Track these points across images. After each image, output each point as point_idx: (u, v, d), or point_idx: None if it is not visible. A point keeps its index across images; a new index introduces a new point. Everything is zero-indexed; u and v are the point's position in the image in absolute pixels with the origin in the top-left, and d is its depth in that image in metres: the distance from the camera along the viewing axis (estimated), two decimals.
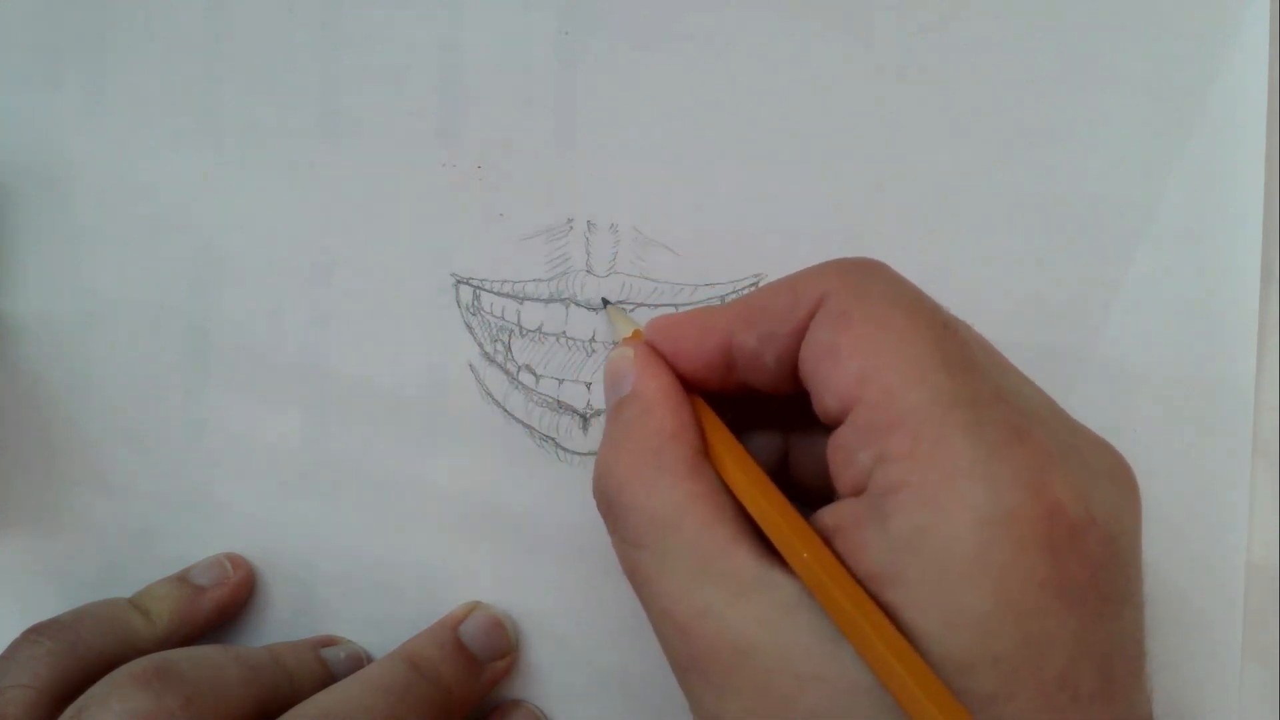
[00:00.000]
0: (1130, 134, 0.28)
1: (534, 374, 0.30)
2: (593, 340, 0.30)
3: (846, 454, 0.20)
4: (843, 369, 0.20)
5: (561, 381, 0.30)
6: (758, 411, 0.25)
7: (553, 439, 0.30)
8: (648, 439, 0.22)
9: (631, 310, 0.30)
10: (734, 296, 0.29)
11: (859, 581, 0.19)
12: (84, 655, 0.27)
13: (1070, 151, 0.28)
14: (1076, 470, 0.18)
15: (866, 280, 0.21)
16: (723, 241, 0.29)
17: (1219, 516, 0.28)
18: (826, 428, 0.22)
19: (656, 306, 0.30)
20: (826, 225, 0.29)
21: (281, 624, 0.32)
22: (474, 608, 0.30)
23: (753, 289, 0.29)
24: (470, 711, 0.29)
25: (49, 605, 0.32)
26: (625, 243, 0.30)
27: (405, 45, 0.31)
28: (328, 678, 0.29)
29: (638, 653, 0.30)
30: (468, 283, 0.31)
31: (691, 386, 0.24)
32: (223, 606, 0.31)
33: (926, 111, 0.29)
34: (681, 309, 0.30)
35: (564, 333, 0.30)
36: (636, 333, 0.26)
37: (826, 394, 0.20)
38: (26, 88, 0.32)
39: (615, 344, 0.27)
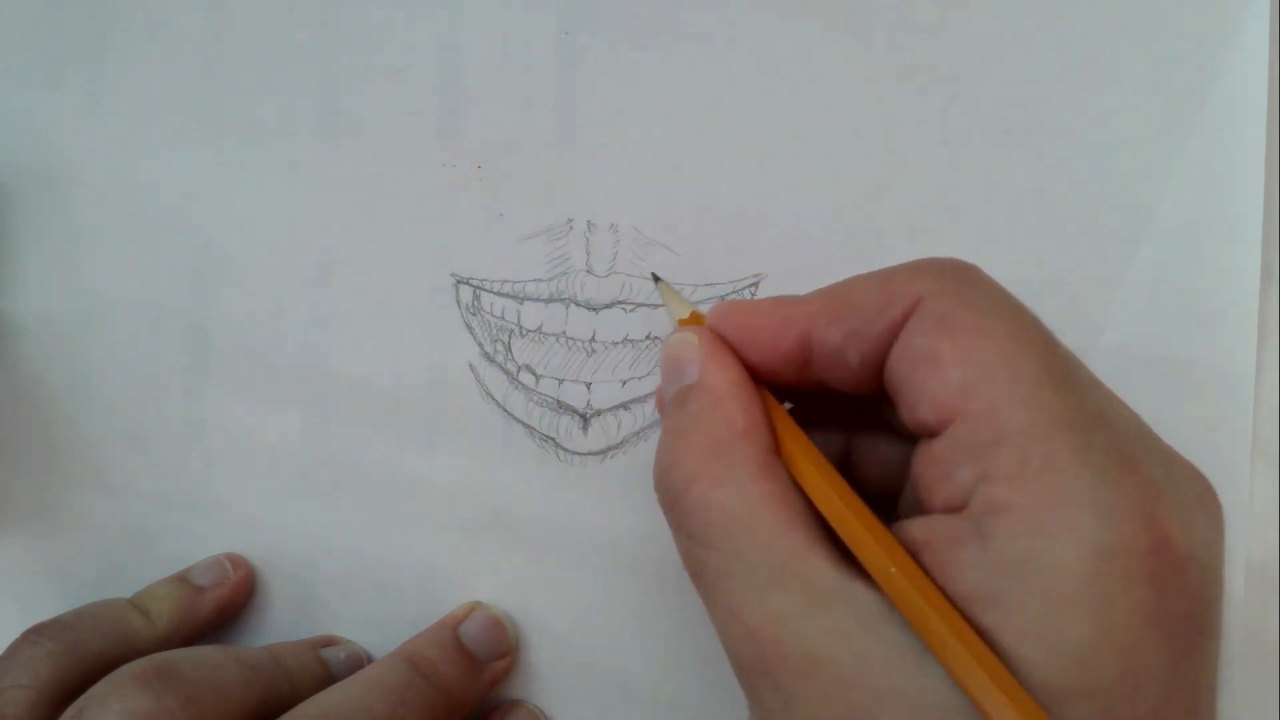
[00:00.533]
0: (1130, 134, 0.28)
1: (534, 374, 0.30)
2: (593, 340, 0.30)
3: (943, 468, 0.19)
4: (943, 378, 0.19)
5: (561, 381, 0.30)
6: (819, 408, 0.24)
7: (553, 439, 0.30)
8: (717, 433, 0.21)
9: (631, 311, 0.30)
10: (734, 296, 0.29)
11: (950, 600, 0.18)
12: (84, 655, 0.27)
13: (1070, 151, 0.28)
14: (1180, 502, 0.18)
15: (967, 285, 0.20)
16: (723, 241, 0.29)
17: None
18: (895, 432, 0.22)
19: (656, 307, 0.30)
20: (826, 225, 0.29)
21: (281, 624, 0.32)
22: (474, 608, 0.30)
23: (752, 289, 0.29)
24: (470, 711, 0.29)
25: (49, 605, 0.32)
26: (625, 243, 0.30)
27: (405, 45, 0.31)
28: (328, 678, 0.29)
29: (638, 653, 0.30)
30: (468, 283, 0.31)
31: (759, 379, 0.22)
32: (223, 606, 0.31)
33: (926, 111, 0.29)
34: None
35: (564, 333, 0.30)
36: (695, 314, 0.24)
37: (922, 402, 0.19)
38: (26, 88, 0.32)
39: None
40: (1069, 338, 0.29)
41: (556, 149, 0.30)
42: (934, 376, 0.19)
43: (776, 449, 0.21)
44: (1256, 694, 0.28)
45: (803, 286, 0.29)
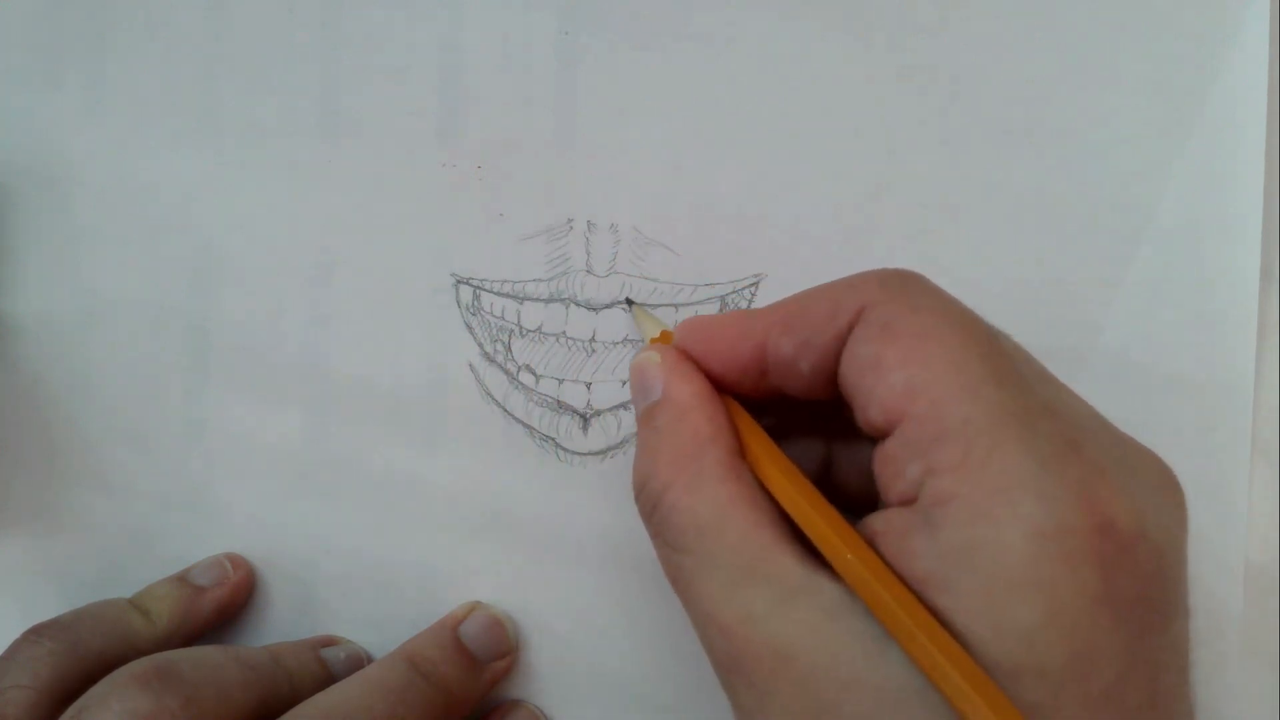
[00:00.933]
0: (1130, 134, 0.28)
1: (534, 374, 0.30)
2: (593, 340, 0.30)
3: (895, 466, 0.20)
4: (888, 382, 0.20)
5: (561, 381, 0.30)
6: (799, 418, 0.25)
7: (553, 439, 0.30)
8: (684, 444, 0.22)
9: (631, 310, 0.30)
10: (734, 296, 0.29)
11: (906, 585, 0.19)
12: (84, 656, 0.27)
13: (1070, 151, 0.28)
14: (1127, 484, 0.18)
15: (908, 291, 0.21)
16: (723, 241, 0.29)
17: (1218, 516, 0.28)
18: (866, 436, 0.22)
19: (656, 307, 0.30)
20: (826, 225, 0.29)
21: (281, 624, 0.32)
22: (474, 608, 0.30)
23: (752, 289, 0.29)
24: (470, 711, 0.29)
25: (49, 605, 0.32)
26: (625, 243, 0.30)
27: (405, 45, 0.31)
28: (328, 678, 0.29)
29: (638, 653, 0.30)
30: (468, 283, 0.31)
31: (723, 389, 0.23)
32: (223, 606, 0.31)
33: (926, 111, 0.29)
34: (681, 309, 0.30)
35: (564, 333, 0.30)
36: (665, 333, 0.26)
37: (871, 406, 0.20)
38: (26, 88, 0.32)
39: (642, 344, 0.27)
40: (1069, 338, 0.29)
41: (556, 149, 0.30)
42: (880, 381, 0.20)
43: (742, 453, 0.22)
44: (1256, 694, 0.28)
45: (802, 286, 0.29)
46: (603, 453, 0.30)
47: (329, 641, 0.31)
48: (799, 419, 0.25)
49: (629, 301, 0.29)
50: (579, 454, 0.30)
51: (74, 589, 0.33)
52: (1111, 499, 0.18)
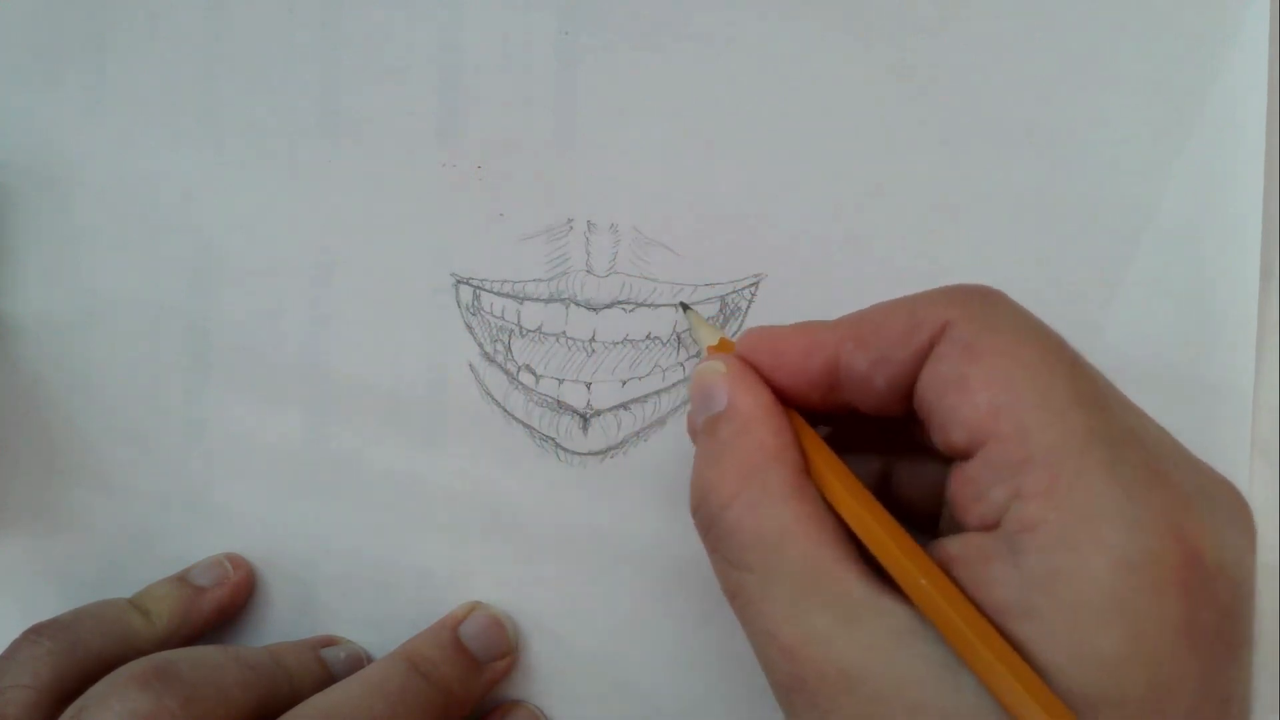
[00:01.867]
0: (1130, 134, 0.28)
1: (534, 374, 0.30)
2: (593, 340, 0.30)
3: (976, 488, 0.19)
4: (972, 402, 0.19)
5: (561, 381, 0.30)
6: (855, 431, 0.24)
7: (553, 439, 0.30)
8: (748, 458, 0.22)
9: (631, 311, 0.30)
10: (734, 296, 0.29)
11: (983, 613, 0.19)
12: (84, 655, 0.27)
13: (1070, 151, 0.28)
14: (1210, 514, 0.18)
15: (991, 310, 0.21)
16: (723, 241, 0.29)
17: None
18: (930, 453, 0.22)
19: (657, 307, 0.30)
20: (826, 225, 0.29)
21: (281, 624, 0.32)
22: (474, 608, 0.30)
23: (752, 289, 0.29)
24: (470, 711, 0.29)
25: (49, 605, 0.32)
26: (625, 243, 0.30)
27: (405, 45, 0.31)
28: (328, 678, 0.29)
29: (638, 653, 0.30)
30: (468, 283, 0.31)
31: (787, 402, 0.23)
32: (223, 607, 0.31)
33: (926, 111, 0.29)
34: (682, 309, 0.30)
35: (564, 333, 0.30)
36: (723, 342, 0.25)
37: (953, 427, 0.20)
38: (26, 88, 0.32)
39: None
40: (1069, 338, 0.29)
41: (556, 149, 0.30)
42: (963, 401, 0.20)
43: (807, 470, 0.22)
44: (1256, 694, 0.28)
45: (803, 286, 0.29)
46: (603, 453, 0.30)
47: (329, 641, 0.31)
48: (855, 432, 0.24)
49: (684, 306, 0.29)
50: (579, 454, 0.30)
51: (74, 589, 0.33)
52: (1196, 530, 0.18)
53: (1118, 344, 0.28)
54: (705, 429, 0.23)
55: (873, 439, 0.25)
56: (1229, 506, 0.19)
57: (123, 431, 0.32)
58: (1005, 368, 0.20)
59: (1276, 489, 0.28)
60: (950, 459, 0.21)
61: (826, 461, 0.22)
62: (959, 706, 0.18)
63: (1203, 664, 0.18)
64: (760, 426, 0.22)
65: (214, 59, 0.32)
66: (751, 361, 0.23)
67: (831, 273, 0.29)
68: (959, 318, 0.20)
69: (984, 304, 0.21)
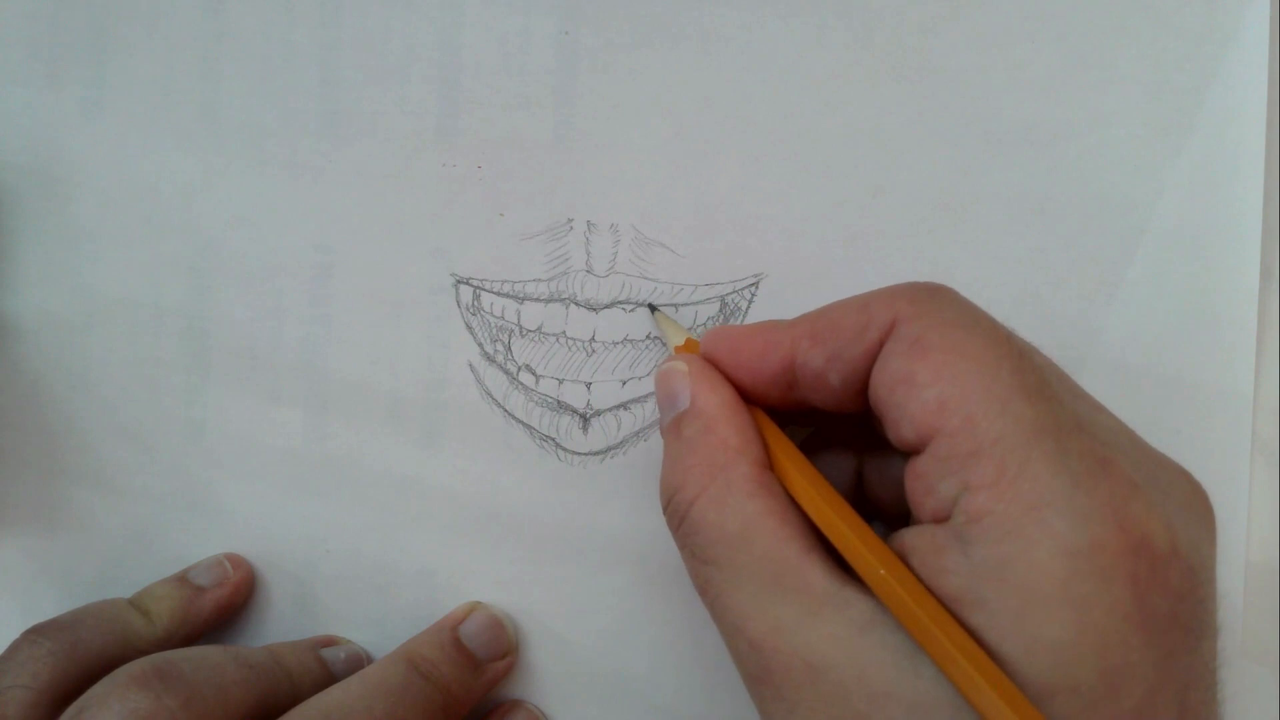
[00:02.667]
0: (1130, 134, 0.28)
1: (534, 374, 0.30)
2: (593, 340, 0.30)
3: (927, 483, 0.20)
4: (920, 397, 0.20)
5: (561, 381, 0.30)
6: (834, 430, 0.25)
7: (553, 439, 0.30)
8: (712, 456, 0.22)
9: (631, 310, 0.30)
10: (734, 296, 0.29)
11: (938, 601, 0.19)
12: (84, 656, 0.27)
13: (1070, 151, 0.28)
14: (1160, 501, 0.19)
15: (939, 306, 0.21)
16: (723, 241, 0.29)
17: (1218, 516, 0.28)
18: (898, 450, 0.22)
19: (656, 307, 0.30)
20: (826, 225, 0.29)
21: (281, 624, 0.32)
22: (474, 608, 0.30)
23: (753, 289, 0.29)
24: (470, 711, 0.29)
25: (49, 605, 0.32)
26: (625, 243, 0.30)
27: (405, 45, 0.31)
28: (327, 678, 0.29)
29: (638, 653, 0.30)
30: (468, 283, 0.31)
31: (751, 400, 0.23)
32: (223, 607, 0.31)
33: (926, 111, 0.29)
34: (681, 309, 0.30)
35: (564, 333, 0.30)
36: (689, 341, 0.25)
37: (903, 422, 0.20)
38: (26, 88, 0.32)
39: (643, 343, 0.27)
40: (1069, 338, 0.29)
41: (556, 149, 0.30)
42: (912, 397, 0.20)
43: (770, 465, 0.22)
44: (1257, 694, 0.28)
45: (803, 286, 0.29)
46: (603, 453, 0.30)
47: (329, 641, 0.31)
48: (834, 431, 0.25)
49: (651, 306, 0.29)
50: (579, 454, 0.30)
51: (74, 589, 0.33)
52: (1144, 517, 0.18)
53: (1118, 344, 0.28)
54: (670, 428, 0.24)
55: (848, 438, 0.25)
56: (1183, 494, 0.20)
57: (123, 431, 0.32)
58: (952, 362, 0.20)
59: (1276, 489, 0.28)
60: (905, 454, 0.21)
61: (789, 457, 0.22)
62: (919, 694, 0.19)
63: (1156, 651, 0.18)
64: (723, 424, 0.22)
65: (214, 59, 0.32)
66: (714, 360, 0.24)
67: (831, 273, 0.29)
68: (907, 314, 0.21)
69: (931, 300, 0.21)
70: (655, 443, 0.30)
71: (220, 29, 0.31)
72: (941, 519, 0.19)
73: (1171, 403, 0.28)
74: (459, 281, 0.31)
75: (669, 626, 0.30)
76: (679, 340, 0.26)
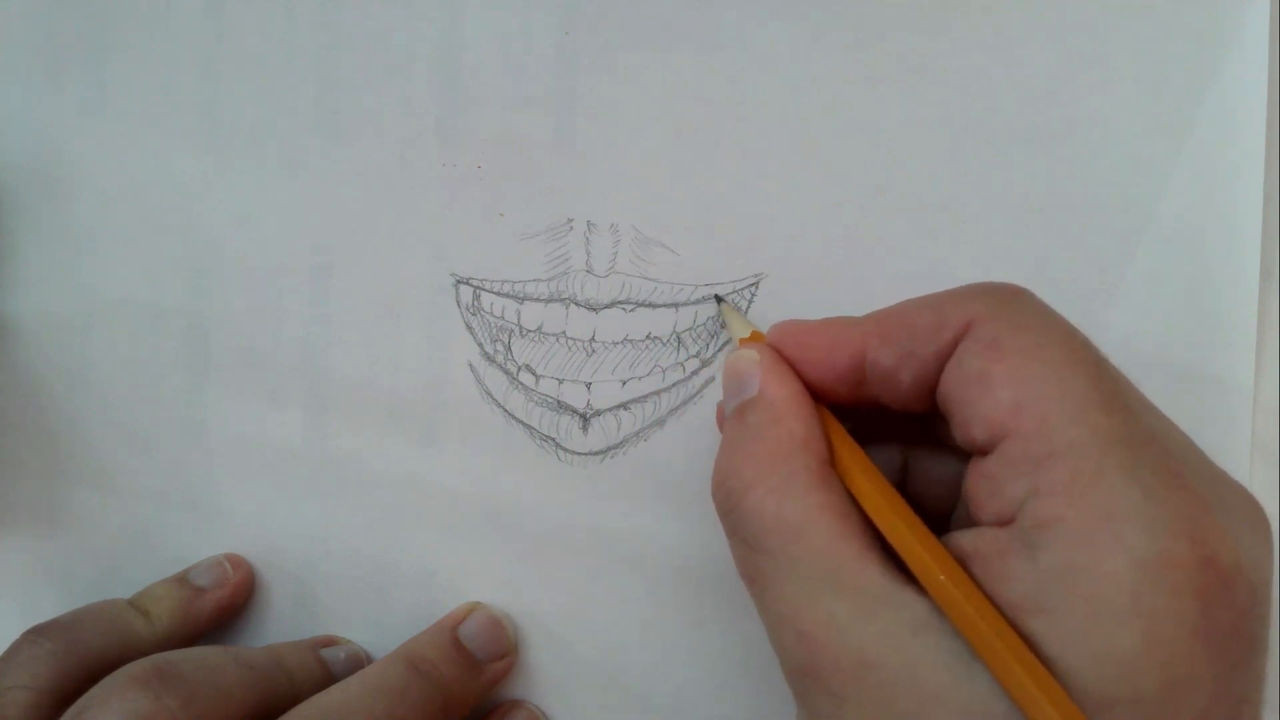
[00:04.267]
0: (1130, 134, 0.28)
1: (534, 374, 0.30)
2: (593, 340, 0.30)
3: (994, 484, 0.20)
4: (995, 398, 0.20)
5: (561, 381, 0.30)
6: (877, 426, 0.25)
7: (553, 439, 0.30)
8: (776, 445, 0.22)
9: (631, 310, 0.30)
10: (734, 296, 0.29)
11: (998, 608, 0.19)
12: (84, 656, 0.27)
13: (1070, 151, 0.28)
14: (1226, 519, 0.19)
15: (1017, 308, 0.21)
16: (723, 242, 0.29)
17: None
18: (950, 449, 0.22)
19: (656, 307, 0.30)
20: (826, 225, 0.29)
21: (281, 624, 0.32)
22: (474, 608, 0.30)
23: (753, 289, 0.29)
24: (470, 711, 0.29)
25: (49, 605, 0.32)
26: (625, 243, 0.30)
27: (405, 45, 0.31)
28: (327, 678, 0.29)
29: (638, 653, 0.30)
30: (468, 283, 0.31)
31: (815, 395, 0.23)
32: (222, 607, 0.31)
33: (926, 111, 0.28)
34: (681, 309, 0.30)
35: (564, 333, 0.30)
36: (755, 334, 0.25)
37: (974, 421, 0.20)
38: (26, 88, 0.32)
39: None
40: None
41: (556, 149, 0.30)
42: (986, 396, 0.20)
43: (832, 462, 0.22)
44: (1265, 701, 0.28)
45: (803, 286, 0.29)
46: (603, 453, 0.30)
47: (329, 641, 0.31)
48: (877, 426, 0.25)
49: (717, 298, 0.29)
50: (579, 454, 0.30)
51: (74, 589, 0.33)
52: (1214, 533, 0.18)
53: (1118, 344, 0.28)
54: (735, 414, 0.24)
55: (891, 434, 0.25)
56: (1246, 513, 0.20)
57: (123, 431, 0.32)
58: (1029, 365, 0.20)
59: (1276, 489, 0.28)
60: (968, 455, 0.21)
61: (852, 455, 0.22)
62: (971, 699, 0.18)
63: (1216, 665, 0.18)
64: (790, 416, 0.22)
65: (214, 59, 0.32)
66: (782, 353, 0.24)
67: (831, 273, 0.29)
68: (985, 315, 0.21)
69: (1011, 302, 0.21)
70: (655, 443, 0.30)
71: (220, 29, 0.31)
72: (1005, 522, 0.19)
73: (1171, 403, 0.28)
74: (459, 281, 0.31)
75: (669, 626, 0.30)
76: (744, 332, 0.26)
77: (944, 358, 0.21)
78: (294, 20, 0.31)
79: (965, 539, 0.20)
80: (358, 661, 0.30)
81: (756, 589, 0.22)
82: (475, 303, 0.31)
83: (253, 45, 0.31)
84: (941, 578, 0.19)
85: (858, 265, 0.29)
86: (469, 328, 0.31)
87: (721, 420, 0.25)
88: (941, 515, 0.24)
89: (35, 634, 0.28)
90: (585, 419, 0.30)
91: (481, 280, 0.30)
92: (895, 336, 0.22)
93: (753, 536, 0.22)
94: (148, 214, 0.32)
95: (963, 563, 0.20)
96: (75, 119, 0.32)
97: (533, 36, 0.30)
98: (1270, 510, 0.28)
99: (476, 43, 0.30)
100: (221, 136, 0.32)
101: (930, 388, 0.22)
